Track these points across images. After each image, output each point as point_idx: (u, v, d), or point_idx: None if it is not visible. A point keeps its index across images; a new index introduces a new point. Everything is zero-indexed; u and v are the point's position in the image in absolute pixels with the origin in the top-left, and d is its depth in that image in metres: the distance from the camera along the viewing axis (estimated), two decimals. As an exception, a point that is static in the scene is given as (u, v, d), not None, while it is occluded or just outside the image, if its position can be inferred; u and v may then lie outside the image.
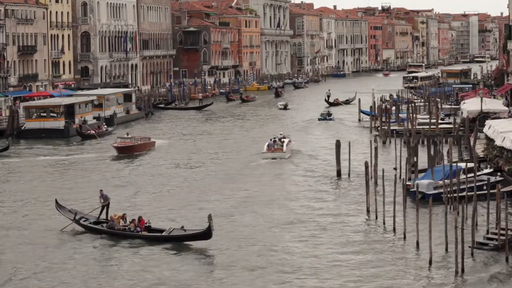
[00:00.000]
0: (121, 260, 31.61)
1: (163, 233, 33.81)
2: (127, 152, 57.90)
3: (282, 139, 57.13)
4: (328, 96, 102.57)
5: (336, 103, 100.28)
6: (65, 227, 35.59)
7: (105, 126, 73.88)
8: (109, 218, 35.68)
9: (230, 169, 52.38)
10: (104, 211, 36.52)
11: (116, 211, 36.75)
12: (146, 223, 34.43)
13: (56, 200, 37.46)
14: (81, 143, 67.72)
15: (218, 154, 59.92)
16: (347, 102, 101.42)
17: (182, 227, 33.95)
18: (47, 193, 44.44)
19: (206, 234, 32.47)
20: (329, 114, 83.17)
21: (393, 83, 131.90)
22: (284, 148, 56.06)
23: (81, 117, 74.04)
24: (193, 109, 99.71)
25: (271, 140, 57.09)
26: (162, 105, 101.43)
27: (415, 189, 36.79)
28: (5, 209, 41.18)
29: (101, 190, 37.49)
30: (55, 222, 36.81)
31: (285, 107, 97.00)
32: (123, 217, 35.05)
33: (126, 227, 34.38)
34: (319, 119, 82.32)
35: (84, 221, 35.72)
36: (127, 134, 62.02)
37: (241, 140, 68.82)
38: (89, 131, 69.93)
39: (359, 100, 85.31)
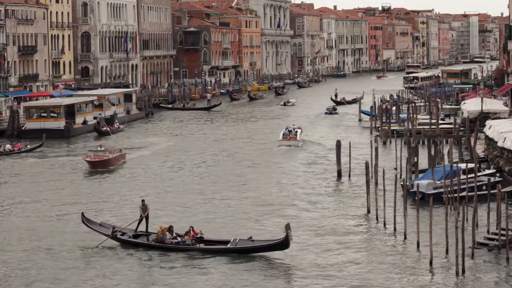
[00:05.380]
0: (185, 277, 28.92)
1: (228, 245, 31.28)
2: (101, 167, 52.14)
3: (296, 129, 63.68)
4: (336, 95, 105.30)
5: (342, 102, 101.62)
6: (101, 243, 32.51)
7: (117, 124, 76.22)
8: (145, 230, 33.11)
9: (237, 167, 52.89)
10: (143, 223, 33.55)
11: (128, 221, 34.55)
12: (197, 234, 31.96)
13: (82, 214, 34.17)
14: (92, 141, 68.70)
15: (228, 149, 61.51)
16: (355, 101, 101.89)
17: (250, 237, 31.73)
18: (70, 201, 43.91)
19: (283, 244, 30.60)
20: (334, 108, 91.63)
21: (390, 84, 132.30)
22: (298, 137, 62.68)
23: (99, 114, 76.60)
24: (201, 109, 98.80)
25: (286, 129, 63.69)
26: (170, 106, 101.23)
27: (414, 189, 36.85)
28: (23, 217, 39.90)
29: (142, 200, 34.54)
30: (85, 238, 33.77)
31: (285, 104, 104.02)
32: (170, 229, 32.26)
33: (180, 240, 31.78)
34: (325, 113, 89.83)
35: (122, 235, 32.66)
36: (100, 146, 55.92)
37: (255, 131, 74.18)
38: (104, 128, 72.44)
39: (359, 100, 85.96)
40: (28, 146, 62.55)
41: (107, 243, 32.61)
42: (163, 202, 41.60)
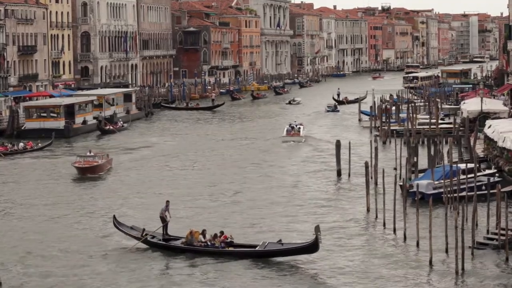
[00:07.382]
0: (213, 280, 28.69)
1: (257, 248, 30.83)
2: (90, 173, 49.50)
3: (298, 126, 65.95)
4: (338, 95, 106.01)
5: (342, 102, 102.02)
6: (133, 245, 32.26)
7: (121, 122, 77.30)
8: (167, 232, 32.67)
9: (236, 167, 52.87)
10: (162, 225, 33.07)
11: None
12: (228, 238, 31.50)
13: (114, 216, 33.85)
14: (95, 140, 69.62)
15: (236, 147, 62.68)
16: (357, 100, 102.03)
17: (280, 240, 31.16)
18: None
19: (313, 247, 29.96)
20: (336, 107, 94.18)
21: (389, 84, 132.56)
22: (301, 133, 64.79)
23: (100, 112, 77.69)
24: (205, 109, 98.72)
25: (289, 125, 65.99)
26: (173, 105, 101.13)
27: (414, 189, 36.83)
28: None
29: (167, 201, 33.80)
30: (117, 241, 33.64)
31: (290, 102, 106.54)
32: (203, 232, 31.80)
33: (209, 243, 31.38)
34: (327, 111, 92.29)
35: (152, 238, 32.44)
36: (90, 151, 52.84)
37: (260, 129, 75.98)
38: (108, 127, 73.49)
39: (360, 100, 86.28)
40: (40, 145, 63.15)
41: (139, 245, 32.27)
42: (177, 203, 40.78)
